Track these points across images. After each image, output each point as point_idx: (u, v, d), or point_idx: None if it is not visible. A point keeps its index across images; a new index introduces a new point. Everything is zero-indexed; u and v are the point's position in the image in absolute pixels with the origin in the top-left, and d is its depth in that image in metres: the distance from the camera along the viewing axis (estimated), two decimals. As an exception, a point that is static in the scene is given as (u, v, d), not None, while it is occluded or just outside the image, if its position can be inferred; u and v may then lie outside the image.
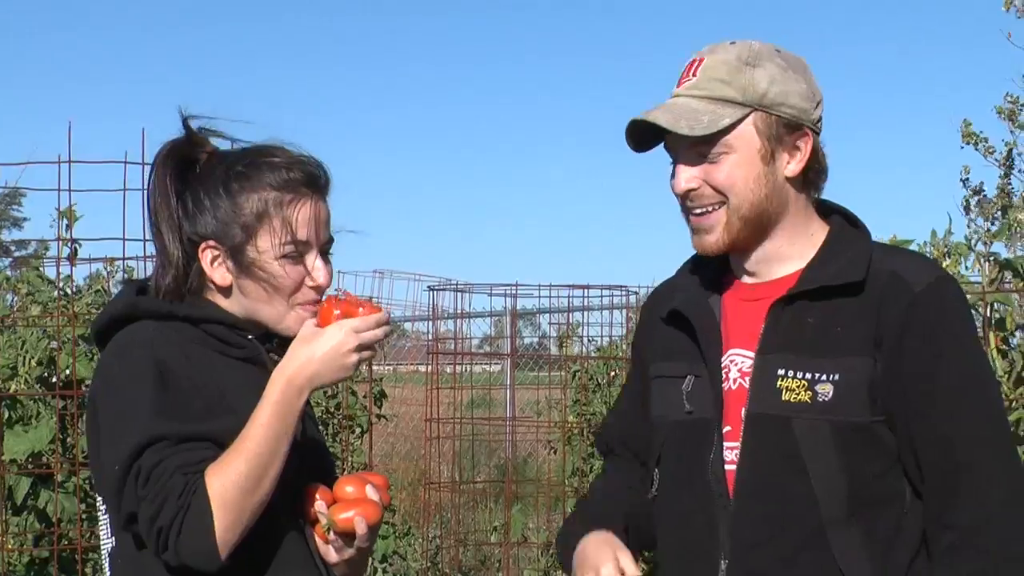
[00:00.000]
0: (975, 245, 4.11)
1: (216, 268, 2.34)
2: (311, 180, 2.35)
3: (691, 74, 2.41)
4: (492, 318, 9.42)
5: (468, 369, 6.98)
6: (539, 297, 7.91)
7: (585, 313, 7.93)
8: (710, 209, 2.40)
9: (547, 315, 8.56)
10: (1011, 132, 11.93)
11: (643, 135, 2.43)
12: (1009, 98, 10.34)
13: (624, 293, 6.84)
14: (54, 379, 5.52)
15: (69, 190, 4.69)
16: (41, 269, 5.89)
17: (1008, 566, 2.26)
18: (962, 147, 12.23)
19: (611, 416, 2.86)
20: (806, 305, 2.37)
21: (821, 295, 2.36)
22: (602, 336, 8.11)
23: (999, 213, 3.99)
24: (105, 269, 6.52)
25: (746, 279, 2.48)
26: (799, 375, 2.33)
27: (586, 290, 7.37)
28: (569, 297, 7.38)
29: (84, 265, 6.05)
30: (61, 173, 4.59)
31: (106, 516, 2.34)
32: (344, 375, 2.24)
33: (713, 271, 2.52)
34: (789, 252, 2.44)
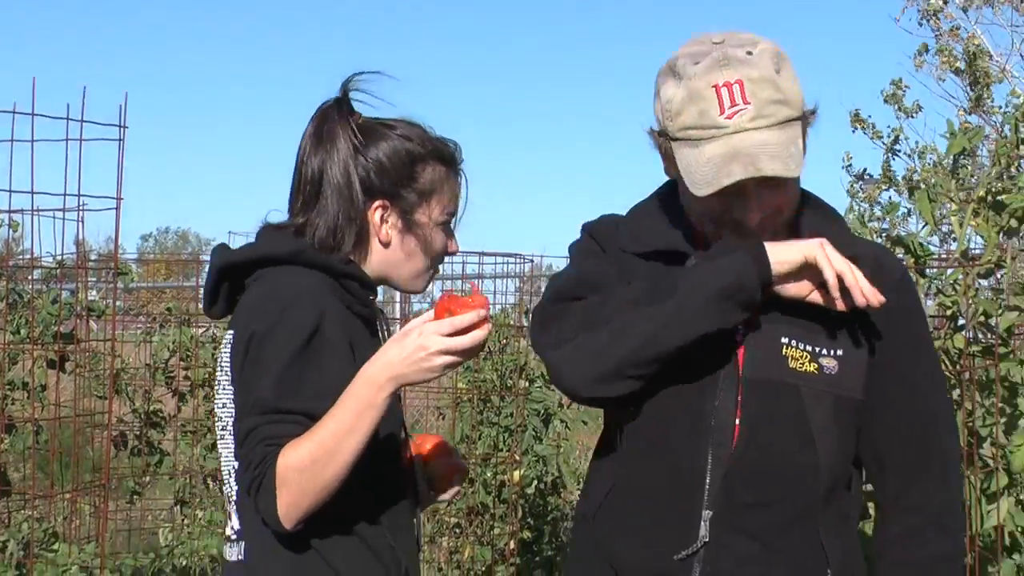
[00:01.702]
0: (868, 223, 4.20)
1: (382, 225, 2.57)
2: (460, 160, 2.64)
3: (741, 101, 2.24)
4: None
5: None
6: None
7: (479, 281, 7.92)
8: (768, 228, 2.32)
9: (439, 281, 8.52)
10: (896, 117, 12.14)
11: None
12: (895, 83, 10.51)
13: (519, 261, 6.83)
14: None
15: (-47, 140, 4.58)
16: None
17: (963, 548, 2.36)
18: (853, 131, 12.41)
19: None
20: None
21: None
22: (494, 303, 8.10)
23: (906, 194, 4.09)
24: (-12, 222, 6.37)
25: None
26: (802, 346, 2.33)
27: (481, 257, 7.35)
28: (463, 263, 7.35)
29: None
30: (-54, 122, 4.48)
31: (232, 437, 2.51)
32: (431, 376, 2.33)
33: (674, 225, 2.43)
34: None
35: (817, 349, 2.33)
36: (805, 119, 2.30)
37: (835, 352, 2.33)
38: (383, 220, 2.57)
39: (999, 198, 3.74)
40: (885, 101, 12.59)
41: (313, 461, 2.28)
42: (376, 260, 2.59)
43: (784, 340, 2.33)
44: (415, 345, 2.29)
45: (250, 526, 2.45)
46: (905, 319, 2.38)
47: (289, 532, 2.33)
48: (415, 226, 2.58)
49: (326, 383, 2.35)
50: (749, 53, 2.26)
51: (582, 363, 2.35)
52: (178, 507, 7.09)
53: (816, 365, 2.32)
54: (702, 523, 2.31)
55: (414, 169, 2.57)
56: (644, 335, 2.30)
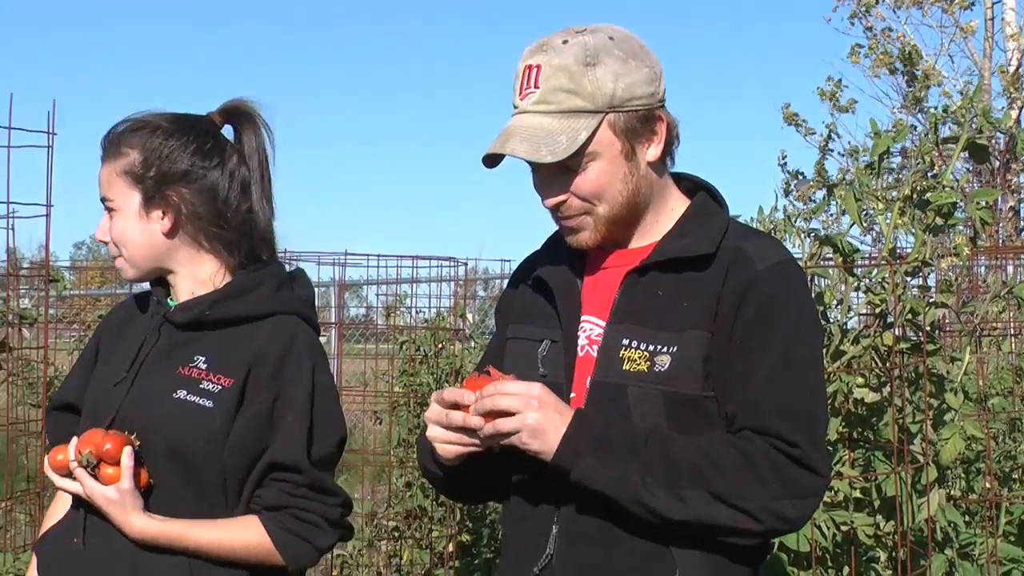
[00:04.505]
0: (796, 222, 4.23)
1: None
2: (102, 146, 2.70)
3: (532, 84, 2.35)
4: (319, 288, 9.32)
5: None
6: (368, 267, 7.86)
7: (413, 284, 7.91)
8: (578, 215, 2.39)
9: (374, 286, 8.49)
10: (831, 114, 12.23)
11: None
12: (831, 81, 10.58)
13: (453, 264, 6.83)
14: None
15: None
16: None
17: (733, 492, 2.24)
18: (782, 127, 12.41)
19: None
20: (658, 276, 2.37)
21: (672, 268, 2.37)
22: (430, 307, 8.10)
23: (824, 194, 4.11)
24: None
25: (607, 248, 2.46)
26: (642, 346, 2.33)
27: (415, 261, 7.34)
28: (398, 267, 7.35)
29: None
30: None
31: None
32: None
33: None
34: (651, 228, 2.45)
35: (655, 347, 2.32)
36: (611, 115, 2.34)
37: (671, 349, 2.31)
38: None
39: (924, 196, 3.79)
40: (821, 97, 12.66)
41: None
42: None
43: (625, 342, 2.35)
44: None
45: None
46: (759, 311, 2.31)
47: None
48: None
49: (76, 371, 2.82)
50: (564, 42, 2.35)
51: None
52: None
53: (649, 364, 2.31)
54: (551, 538, 2.35)
55: None
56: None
